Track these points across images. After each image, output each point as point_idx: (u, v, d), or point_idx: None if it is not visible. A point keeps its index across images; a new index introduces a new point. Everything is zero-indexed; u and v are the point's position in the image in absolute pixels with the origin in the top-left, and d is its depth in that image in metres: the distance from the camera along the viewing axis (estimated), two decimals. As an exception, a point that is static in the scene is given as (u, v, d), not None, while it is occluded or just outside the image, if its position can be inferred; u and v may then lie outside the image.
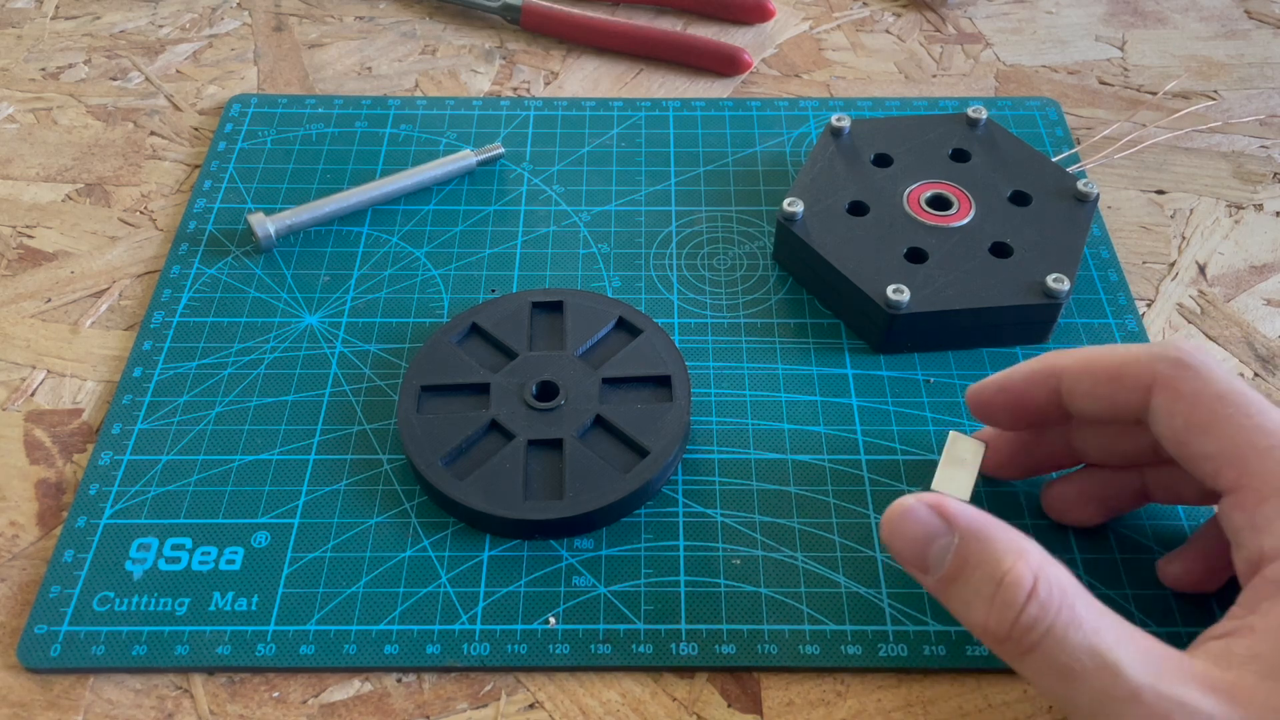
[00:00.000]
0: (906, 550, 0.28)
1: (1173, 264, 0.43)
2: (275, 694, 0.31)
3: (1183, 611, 0.32)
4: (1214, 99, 0.50)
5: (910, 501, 0.27)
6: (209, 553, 0.34)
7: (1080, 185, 0.42)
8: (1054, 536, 0.34)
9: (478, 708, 0.31)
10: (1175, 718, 0.23)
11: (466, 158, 0.45)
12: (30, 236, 0.44)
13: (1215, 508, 0.33)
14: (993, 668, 0.32)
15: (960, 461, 0.30)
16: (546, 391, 0.37)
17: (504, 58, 0.53)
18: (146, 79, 0.51)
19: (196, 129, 0.49)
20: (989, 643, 0.26)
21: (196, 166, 0.47)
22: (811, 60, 0.53)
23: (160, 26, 0.54)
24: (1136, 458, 0.32)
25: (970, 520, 0.27)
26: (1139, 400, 0.29)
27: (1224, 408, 0.27)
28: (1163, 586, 0.33)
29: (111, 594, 0.33)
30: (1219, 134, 0.48)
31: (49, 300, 0.42)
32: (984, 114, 0.44)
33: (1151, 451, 0.31)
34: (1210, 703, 0.23)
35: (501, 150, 0.46)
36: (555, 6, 0.53)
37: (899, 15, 0.55)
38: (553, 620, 0.32)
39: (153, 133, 0.49)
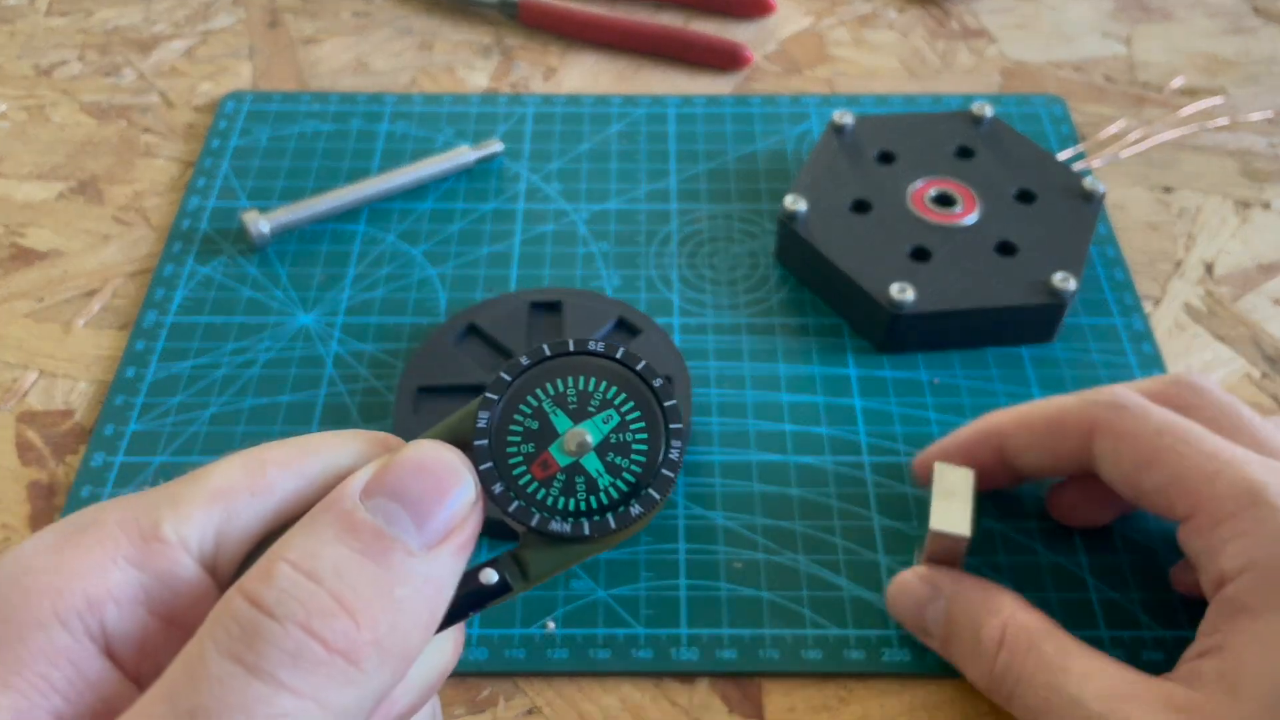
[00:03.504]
0: (907, 618, 0.31)
1: (1179, 263, 0.43)
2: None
3: (1191, 616, 0.32)
4: (1222, 96, 0.50)
5: (906, 575, 0.31)
6: (202, 556, 0.33)
7: (1086, 183, 0.41)
8: (1060, 539, 0.34)
9: (475, 713, 0.31)
10: None
11: (464, 155, 0.45)
12: (22, 235, 0.44)
13: None
14: (998, 673, 0.31)
15: (952, 494, 0.30)
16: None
17: (502, 53, 0.52)
18: (140, 76, 0.51)
19: (190, 126, 0.48)
20: (984, 694, 0.29)
21: (190, 164, 0.46)
22: (814, 56, 0.52)
23: (154, 23, 0.53)
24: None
25: (954, 584, 0.30)
26: (1081, 448, 0.30)
27: (1164, 440, 0.28)
28: (1169, 590, 0.32)
29: (102, 598, 0.32)
30: (1226, 132, 0.48)
31: (41, 300, 0.41)
32: (989, 111, 0.44)
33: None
34: None
35: (499, 147, 0.46)
36: (554, 1, 0.53)
37: (902, 10, 0.54)
38: (551, 624, 0.32)
39: (146, 130, 0.48)
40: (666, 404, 0.19)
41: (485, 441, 0.19)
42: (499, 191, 0.45)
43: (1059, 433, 0.30)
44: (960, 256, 0.39)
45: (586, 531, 0.18)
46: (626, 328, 0.38)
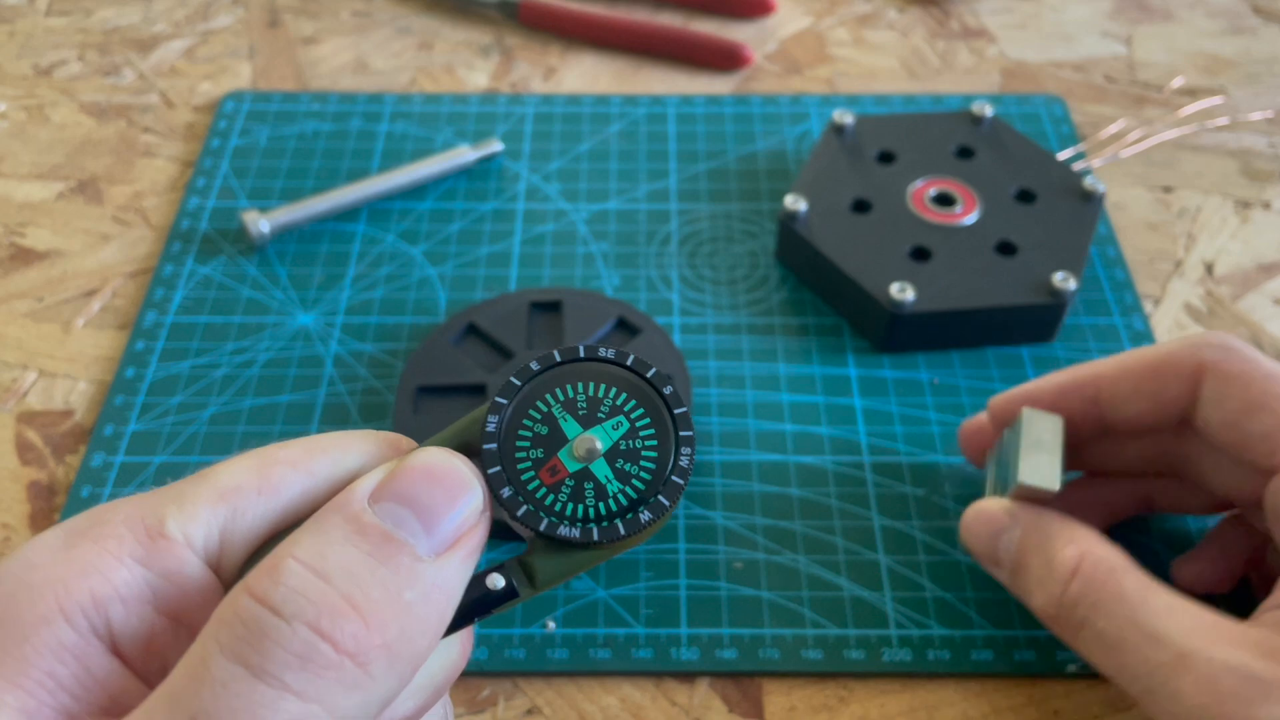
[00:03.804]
0: (979, 546, 0.30)
1: (1180, 263, 0.43)
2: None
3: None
4: (1222, 96, 0.50)
5: (980, 503, 0.30)
6: (201, 556, 0.33)
7: (1086, 183, 0.41)
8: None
9: (475, 713, 0.30)
10: (1225, 681, 0.23)
11: (464, 155, 0.45)
12: (22, 235, 0.44)
13: (1223, 516, 0.33)
14: (997, 673, 0.31)
15: (1041, 445, 0.29)
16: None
17: (502, 53, 0.52)
18: (140, 75, 0.51)
19: (190, 126, 0.48)
20: (1048, 624, 0.28)
21: (190, 164, 0.46)
22: (814, 56, 0.52)
23: (154, 22, 0.53)
24: (1154, 464, 0.32)
25: (1031, 513, 0.29)
26: (1185, 393, 0.28)
27: (1276, 386, 0.27)
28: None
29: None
30: (1226, 131, 0.48)
31: (41, 300, 0.41)
32: (989, 111, 0.44)
33: (1166, 458, 0.31)
34: (1264, 665, 0.23)
35: (499, 147, 0.46)
36: (554, 1, 0.53)
37: (902, 10, 0.54)
38: (551, 624, 0.32)
39: (146, 130, 0.48)
40: (677, 411, 0.19)
41: (494, 446, 0.19)
42: (499, 191, 0.45)
43: (1163, 377, 0.29)
44: (960, 256, 0.39)
45: (596, 538, 0.18)
46: (626, 328, 0.38)
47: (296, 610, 0.16)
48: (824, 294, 0.41)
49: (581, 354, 0.20)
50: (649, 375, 0.20)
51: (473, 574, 0.19)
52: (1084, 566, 0.27)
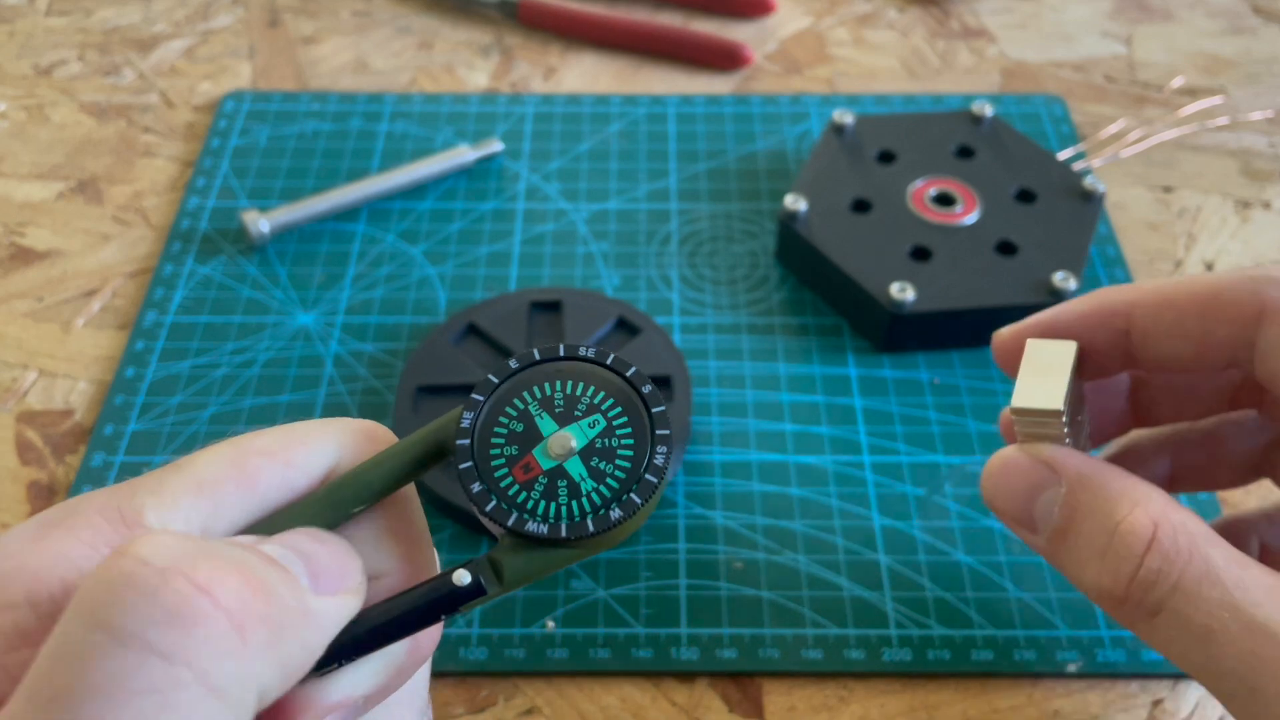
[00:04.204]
0: (1010, 506, 0.24)
1: (1180, 262, 0.43)
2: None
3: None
4: (1222, 96, 0.50)
5: (1011, 452, 0.24)
6: (201, 556, 0.33)
7: (1086, 183, 0.41)
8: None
9: (475, 713, 0.30)
10: None
11: (463, 154, 0.45)
12: (22, 235, 0.44)
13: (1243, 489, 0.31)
14: (998, 672, 0.31)
15: (1045, 369, 0.24)
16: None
17: (502, 53, 0.52)
18: (140, 75, 0.51)
19: (190, 126, 0.48)
20: (1108, 607, 0.23)
21: (190, 164, 0.46)
22: (814, 56, 0.52)
23: (154, 22, 0.53)
24: (1209, 406, 0.28)
25: (1080, 466, 0.23)
26: (1238, 335, 0.23)
27: None
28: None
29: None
30: (1226, 131, 0.48)
31: (41, 299, 0.41)
32: (989, 110, 0.44)
33: (1216, 402, 0.27)
34: None
35: (499, 147, 0.46)
36: (554, 1, 0.53)
37: (902, 10, 0.54)
38: (551, 624, 0.32)
39: (146, 129, 0.48)
40: (655, 410, 0.19)
41: (467, 442, 0.19)
42: (499, 191, 0.45)
43: (1212, 314, 0.23)
44: (960, 256, 0.39)
45: (564, 534, 0.18)
46: (626, 327, 0.38)
47: (171, 560, 0.14)
48: (824, 294, 0.41)
49: (562, 353, 0.20)
50: (628, 374, 0.19)
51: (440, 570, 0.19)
52: (1161, 536, 0.21)
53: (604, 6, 0.54)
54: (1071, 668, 0.31)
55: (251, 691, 0.15)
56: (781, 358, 0.39)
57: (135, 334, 0.39)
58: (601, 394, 0.19)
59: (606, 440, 0.19)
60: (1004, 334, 0.26)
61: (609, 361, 0.20)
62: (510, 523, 0.18)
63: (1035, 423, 0.24)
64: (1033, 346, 0.25)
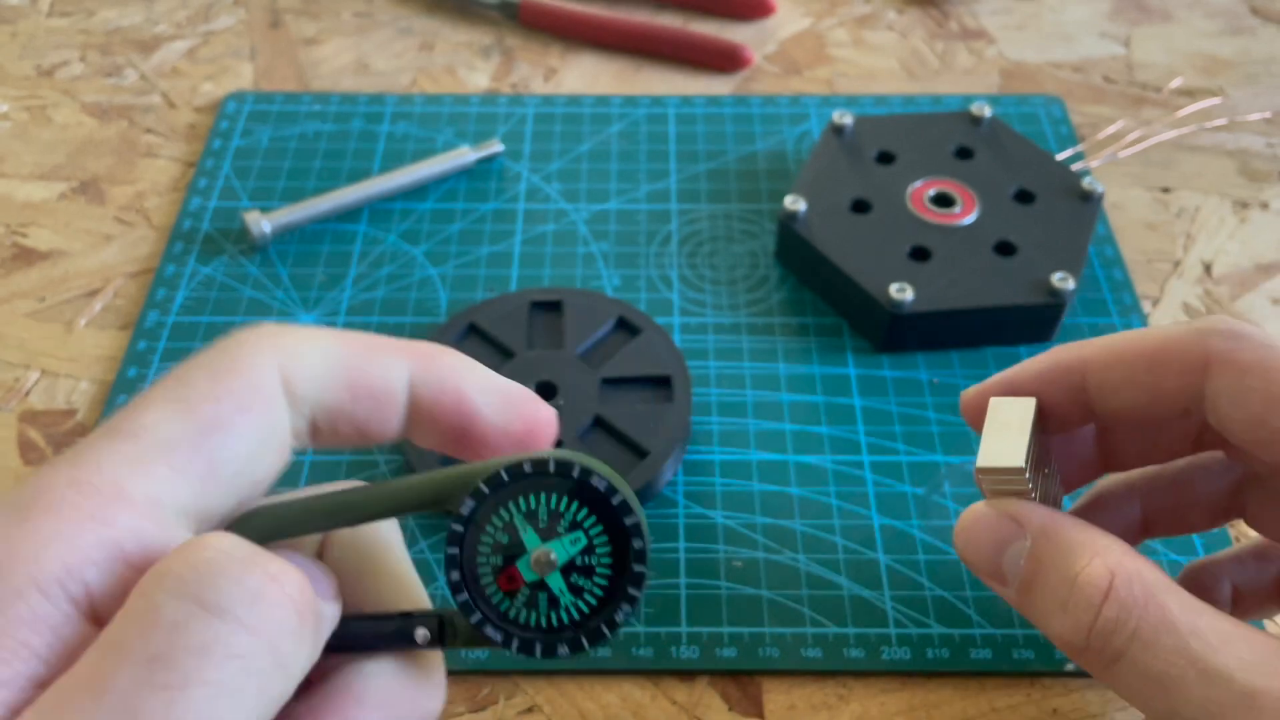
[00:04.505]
0: (980, 560, 0.25)
1: (1178, 263, 0.43)
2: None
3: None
4: (1220, 96, 0.50)
5: (980, 507, 0.25)
6: (203, 555, 0.33)
7: (1085, 183, 0.41)
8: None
9: (476, 711, 0.31)
10: None
11: (464, 155, 0.45)
12: (24, 235, 0.44)
13: (1227, 529, 0.32)
14: (997, 671, 0.31)
15: (1007, 426, 0.25)
16: (545, 392, 0.36)
17: (502, 54, 0.52)
18: (141, 76, 0.51)
19: (192, 126, 0.48)
20: (1073, 655, 0.23)
21: (192, 164, 0.47)
22: (813, 57, 0.52)
23: (155, 23, 0.53)
24: (1175, 449, 0.28)
25: (1043, 519, 0.24)
26: (1188, 385, 0.24)
27: None
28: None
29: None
30: (1225, 132, 0.48)
31: (43, 299, 0.41)
32: (988, 111, 0.44)
33: (1181, 445, 0.28)
34: None
35: (500, 148, 0.46)
36: (554, 2, 0.53)
37: (902, 11, 0.55)
38: (551, 624, 0.32)
39: (148, 130, 0.48)
40: (635, 544, 0.20)
41: (461, 529, 0.20)
42: (499, 191, 0.45)
43: (1160, 367, 0.24)
44: (959, 256, 0.39)
45: (514, 649, 0.20)
46: (626, 327, 0.39)
47: (252, 556, 0.17)
48: (824, 294, 0.41)
49: (551, 468, 0.20)
50: (615, 501, 0.20)
51: (408, 611, 0.21)
52: (1118, 586, 0.22)
53: (604, 7, 0.54)
54: (1070, 666, 0.31)
55: (302, 668, 0.18)
56: (781, 358, 0.39)
57: (137, 334, 0.39)
58: (584, 510, 0.20)
59: (587, 558, 0.20)
60: (969, 394, 0.27)
61: (592, 480, 0.20)
62: (474, 620, 0.20)
63: (1000, 480, 0.25)
64: (994, 405, 0.26)
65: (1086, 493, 0.30)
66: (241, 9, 0.54)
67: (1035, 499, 0.25)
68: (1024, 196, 0.42)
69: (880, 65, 0.52)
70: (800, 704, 0.31)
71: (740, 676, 0.31)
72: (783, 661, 0.31)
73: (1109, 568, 0.22)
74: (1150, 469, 0.29)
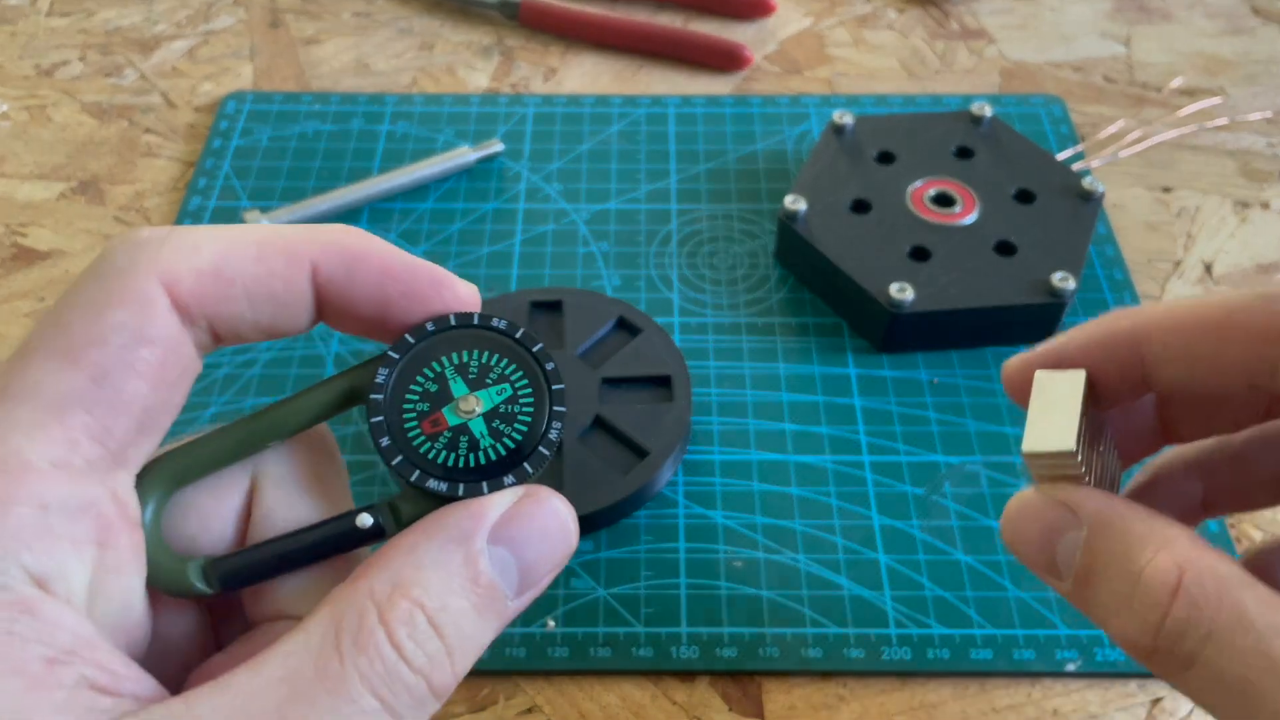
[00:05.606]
0: (1031, 553, 0.23)
1: (1179, 263, 0.43)
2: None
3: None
4: (1221, 96, 0.50)
5: (1028, 494, 0.23)
6: (203, 555, 0.33)
7: (1085, 183, 0.41)
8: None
9: (476, 711, 0.31)
10: None
11: (464, 155, 0.45)
12: (24, 235, 0.44)
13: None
14: (997, 671, 0.31)
15: (1054, 405, 0.23)
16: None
17: (502, 54, 0.52)
18: (141, 76, 0.51)
19: (192, 126, 0.48)
20: (1137, 657, 0.21)
21: (191, 164, 0.46)
22: (813, 56, 0.52)
23: (155, 23, 0.53)
24: (1241, 419, 0.26)
25: (1099, 507, 0.22)
26: (1257, 357, 0.22)
27: None
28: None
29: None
30: (1225, 132, 0.48)
31: (42, 300, 0.41)
32: (988, 111, 0.44)
33: (1248, 415, 0.26)
34: None
35: (500, 147, 0.46)
36: (554, 2, 0.53)
37: (902, 11, 0.54)
38: (551, 623, 0.32)
39: (147, 130, 0.48)
40: (554, 387, 0.21)
41: (379, 397, 0.20)
42: (499, 191, 0.45)
43: (1226, 338, 0.22)
44: (959, 256, 0.39)
45: (460, 494, 0.20)
46: (627, 327, 0.39)
47: (413, 656, 0.18)
48: (823, 294, 0.41)
49: (475, 320, 0.21)
50: (534, 350, 0.21)
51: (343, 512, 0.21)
52: (1187, 583, 0.20)
53: (604, 7, 0.54)
54: (1070, 667, 0.31)
55: None
56: (781, 358, 0.39)
57: (137, 334, 0.39)
58: (513, 366, 0.21)
59: (510, 407, 0.21)
60: (1012, 365, 0.25)
61: (518, 335, 0.21)
62: (412, 479, 0.20)
63: (1050, 465, 0.23)
64: (1040, 381, 0.23)
65: (1143, 469, 0.28)
66: (241, 9, 0.54)
67: (1089, 482, 0.23)
68: (1024, 196, 0.41)
69: (880, 65, 0.52)
70: (800, 704, 0.31)
71: (740, 676, 0.31)
72: (783, 661, 0.31)
73: (1177, 562, 0.20)
74: (1212, 442, 0.27)
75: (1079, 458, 0.22)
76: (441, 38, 0.53)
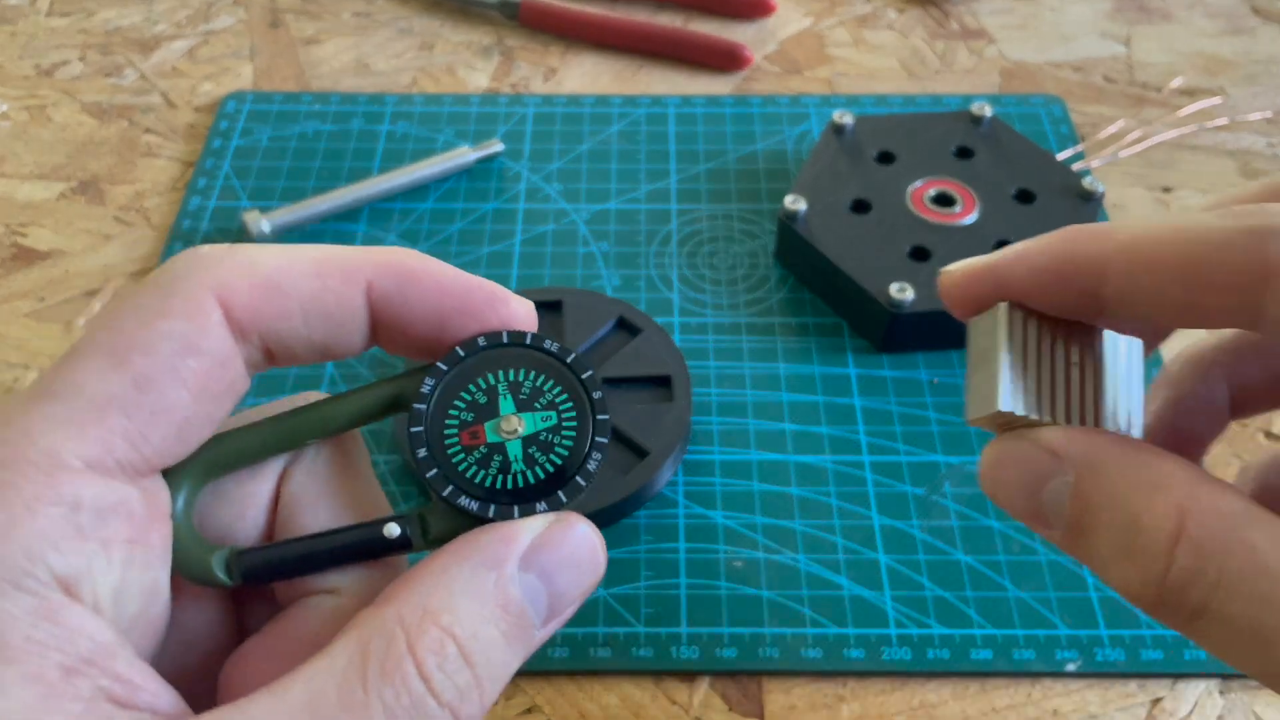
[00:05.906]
0: (1014, 502, 0.21)
1: (1179, 262, 0.43)
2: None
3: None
4: (1221, 96, 0.50)
5: (1007, 439, 0.20)
6: (203, 555, 0.33)
7: (1085, 183, 0.41)
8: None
9: (475, 713, 0.31)
10: None
11: (464, 155, 0.45)
12: (23, 235, 0.44)
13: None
14: (997, 671, 0.31)
15: (985, 357, 0.20)
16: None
17: (502, 54, 0.52)
18: (141, 76, 0.51)
19: (192, 126, 0.48)
20: (1142, 608, 0.19)
21: (191, 164, 0.46)
22: (813, 56, 0.52)
23: (155, 23, 0.53)
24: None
25: (1086, 449, 0.19)
26: (1238, 302, 0.18)
27: None
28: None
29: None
30: (1225, 132, 0.48)
31: (42, 299, 0.41)
32: (988, 111, 0.44)
33: None
34: None
35: (500, 147, 0.46)
36: (554, 2, 0.53)
37: (902, 11, 0.54)
38: (551, 624, 0.32)
39: (147, 130, 0.48)
40: (599, 417, 0.21)
41: (423, 407, 0.20)
42: (499, 191, 0.45)
43: (1202, 280, 0.19)
44: (959, 256, 0.39)
45: (490, 515, 0.20)
46: (627, 327, 0.39)
47: (443, 689, 0.18)
48: (823, 294, 0.41)
49: (528, 340, 0.21)
50: (584, 376, 0.21)
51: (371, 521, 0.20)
52: (1190, 527, 0.18)
53: (604, 7, 0.54)
54: (1070, 667, 0.31)
55: None
56: (781, 358, 0.39)
57: (137, 334, 0.39)
58: (564, 394, 0.21)
59: (550, 436, 0.20)
60: (951, 276, 0.22)
61: (569, 360, 0.21)
62: (445, 493, 0.20)
63: (1002, 423, 0.20)
64: (970, 329, 0.21)
65: (1158, 376, 0.25)
66: (241, 9, 0.54)
67: (1062, 419, 0.20)
68: (1024, 196, 0.41)
69: (880, 65, 0.52)
70: (800, 704, 0.31)
71: (740, 676, 0.31)
72: (783, 662, 0.31)
73: (1177, 503, 0.18)
74: (1234, 335, 0.24)
75: (1022, 411, 0.20)
76: (441, 38, 0.53)
